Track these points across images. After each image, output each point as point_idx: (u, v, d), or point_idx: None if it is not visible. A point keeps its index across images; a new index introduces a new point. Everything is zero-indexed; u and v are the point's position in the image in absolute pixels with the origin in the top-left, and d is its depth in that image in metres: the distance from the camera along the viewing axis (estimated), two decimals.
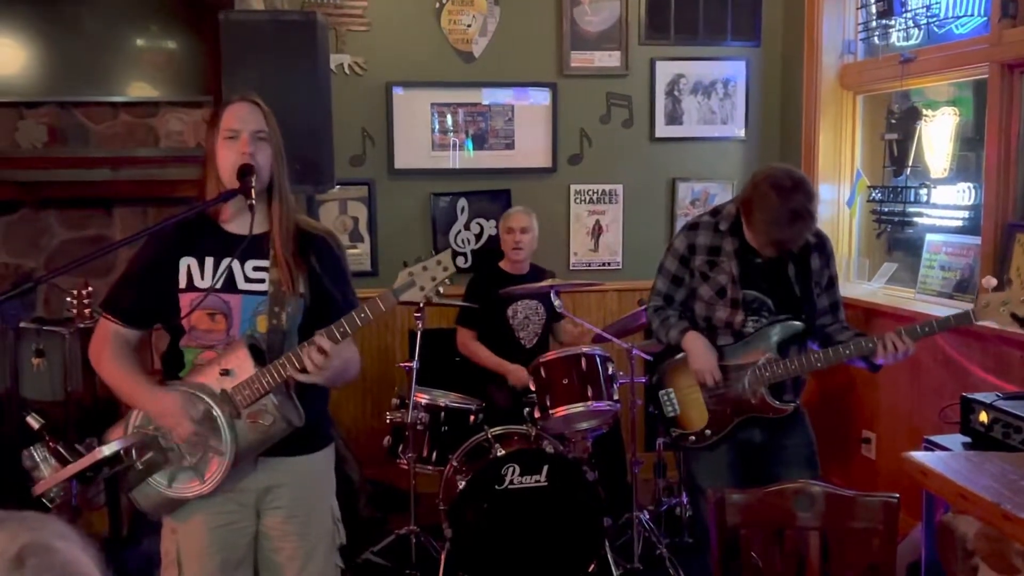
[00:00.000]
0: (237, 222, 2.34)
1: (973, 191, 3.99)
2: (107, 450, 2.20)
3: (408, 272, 2.16)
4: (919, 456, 2.40)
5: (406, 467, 3.95)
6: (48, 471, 2.18)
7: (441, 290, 2.17)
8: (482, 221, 5.08)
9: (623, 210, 5.20)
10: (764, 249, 3.08)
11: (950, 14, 4.07)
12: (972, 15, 3.95)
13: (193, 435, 2.21)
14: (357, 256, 4.93)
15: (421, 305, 3.66)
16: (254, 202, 2.23)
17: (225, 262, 2.29)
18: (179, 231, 2.34)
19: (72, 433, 3.90)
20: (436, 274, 2.16)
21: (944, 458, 2.51)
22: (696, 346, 3.17)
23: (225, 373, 2.21)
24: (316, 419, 2.40)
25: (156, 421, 2.26)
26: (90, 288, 3.54)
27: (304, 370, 2.18)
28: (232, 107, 2.33)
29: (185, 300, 2.30)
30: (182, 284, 2.31)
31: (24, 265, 4.48)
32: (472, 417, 4.01)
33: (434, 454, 3.97)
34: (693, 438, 3.25)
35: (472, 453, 3.87)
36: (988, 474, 2.21)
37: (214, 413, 2.22)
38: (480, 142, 5.03)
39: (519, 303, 4.45)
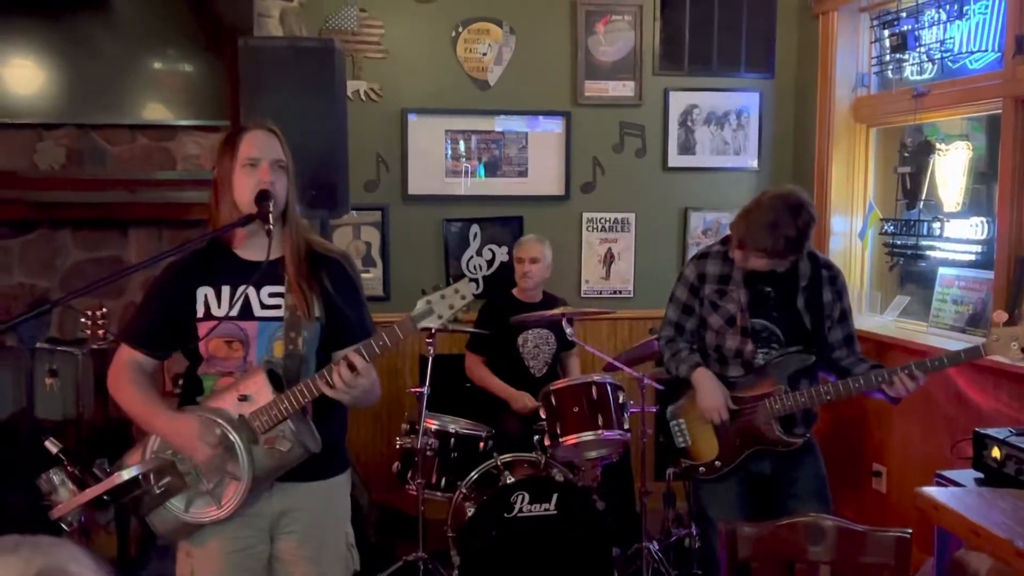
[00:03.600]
0: (251, 248, 2.35)
1: (986, 225, 3.99)
2: (126, 475, 2.22)
3: (426, 300, 2.18)
4: (932, 491, 2.40)
5: (415, 493, 3.94)
6: (66, 495, 2.19)
7: (459, 318, 2.18)
8: (494, 247, 5.10)
9: (635, 239, 5.22)
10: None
11: (964, 49, 4.08)
12: (986, 50, 3.97)
13: (211, 459, 2.22)
14: (370, 281, 4.94)
15: (433, 331, 3.67)
16: (271, 227, 2.25)
17: (241, 289, 2.31)
18: (195, 260, 2.36)
19: (84, 453, 3.90)
20: (454, 302, 2.17)
21: (957, 494, 2.51)
22: (705, 383, 3.16)
23: (243, 399, 2.22)
24: (333, 445, 2.40)
25: (173, 444, 2.27)
26: (104, 309, 3.56)
27: (332, 386, 2.18)
28: (250, 135, 2.34)
29: (203, 329, 2.32)
30: (200, 313, 2.33)
31: (39, 285, 4.51)
32: (482, 444, 4.00)
33: (443, 480, 3.96)
34: (703, 469, 3.24)
35: (481, 480, 3.86)
36: (1001, 510, 2.20)
37: (231, 438, 2.22)
38: (493, 169, 5.06)
39: (530, 332, 4.45)
